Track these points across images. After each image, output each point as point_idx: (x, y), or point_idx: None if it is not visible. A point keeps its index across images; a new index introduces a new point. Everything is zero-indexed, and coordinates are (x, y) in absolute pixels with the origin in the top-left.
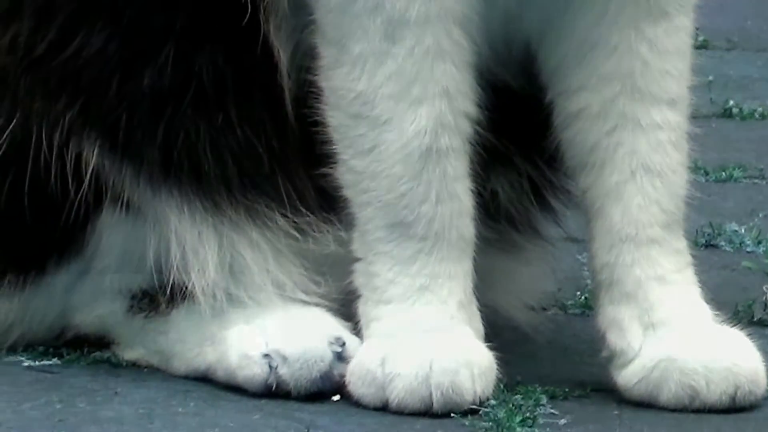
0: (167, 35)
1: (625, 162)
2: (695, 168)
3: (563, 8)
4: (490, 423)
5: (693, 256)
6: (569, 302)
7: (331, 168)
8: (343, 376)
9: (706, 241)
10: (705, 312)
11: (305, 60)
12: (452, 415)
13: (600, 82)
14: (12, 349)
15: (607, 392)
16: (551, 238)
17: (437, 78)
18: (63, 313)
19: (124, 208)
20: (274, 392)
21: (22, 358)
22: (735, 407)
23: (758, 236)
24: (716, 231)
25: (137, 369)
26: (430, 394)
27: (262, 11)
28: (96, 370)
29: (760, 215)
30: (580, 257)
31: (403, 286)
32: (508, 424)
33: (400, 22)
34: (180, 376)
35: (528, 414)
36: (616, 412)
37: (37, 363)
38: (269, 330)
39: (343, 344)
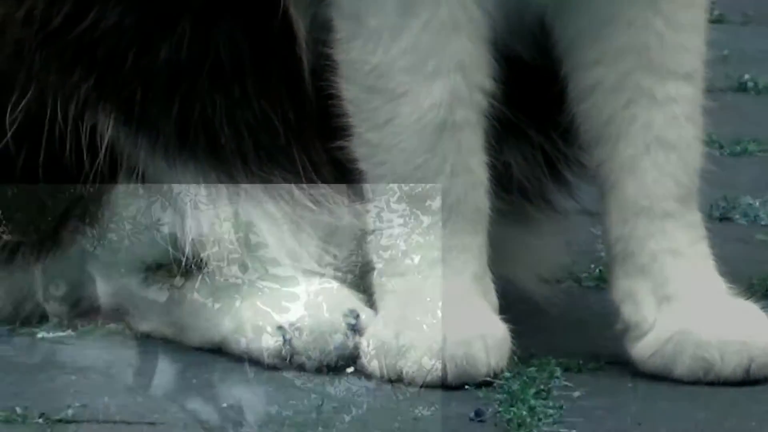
0: (184, 8)
1: (640, 135)
2: (710, 141)
3: None
4: (504, 395)
5: (707, 230)
6: (583, 275)
7: (346, 141)
8: (357, 348)
9: (720, 214)
10: (719, 285)
11: (322, 33)
12: (466, 387)
13: (615, 56)
14: (27, 321)
15: (622, 365)
16: (565, 210)
17: (452, 51)
18: (77, 285)
19: (139, 180)
20: (288, 364)
21: (37, 330)
22: (749, 380)
23: None
24: (731, 204)
25: (151, 341)
26: (444, 366)
27: None
28: (110, 342)
29: None
30: (594, 230)
31: (418, 259)
32: (522, 396)
33: None
34: (194, 348)
35: (542, 386)
36: (630, 385)
37: (51, 335)
38: (284, 302)
39: (357, 316)
